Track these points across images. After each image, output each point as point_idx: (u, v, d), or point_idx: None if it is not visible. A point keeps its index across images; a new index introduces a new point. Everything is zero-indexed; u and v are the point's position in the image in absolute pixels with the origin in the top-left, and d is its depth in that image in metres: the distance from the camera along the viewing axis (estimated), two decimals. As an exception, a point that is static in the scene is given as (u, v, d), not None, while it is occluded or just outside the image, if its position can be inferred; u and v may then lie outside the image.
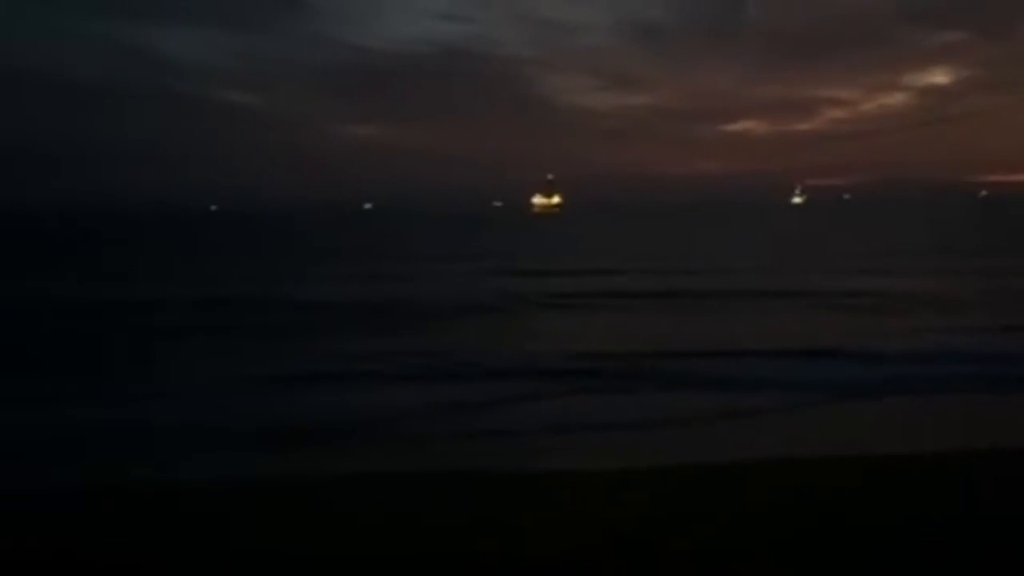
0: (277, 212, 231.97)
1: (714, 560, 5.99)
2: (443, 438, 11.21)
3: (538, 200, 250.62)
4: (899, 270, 33.84)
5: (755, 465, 8.99)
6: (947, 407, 12.63)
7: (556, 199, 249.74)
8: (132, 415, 12.39)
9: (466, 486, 8.49)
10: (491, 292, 28.90)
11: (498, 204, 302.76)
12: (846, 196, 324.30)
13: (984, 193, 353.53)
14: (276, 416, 12.40)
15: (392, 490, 8.34)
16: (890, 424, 11.82)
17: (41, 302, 28.00)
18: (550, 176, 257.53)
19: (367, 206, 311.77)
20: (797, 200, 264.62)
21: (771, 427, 11.60)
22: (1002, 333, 18.31)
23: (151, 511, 7.67)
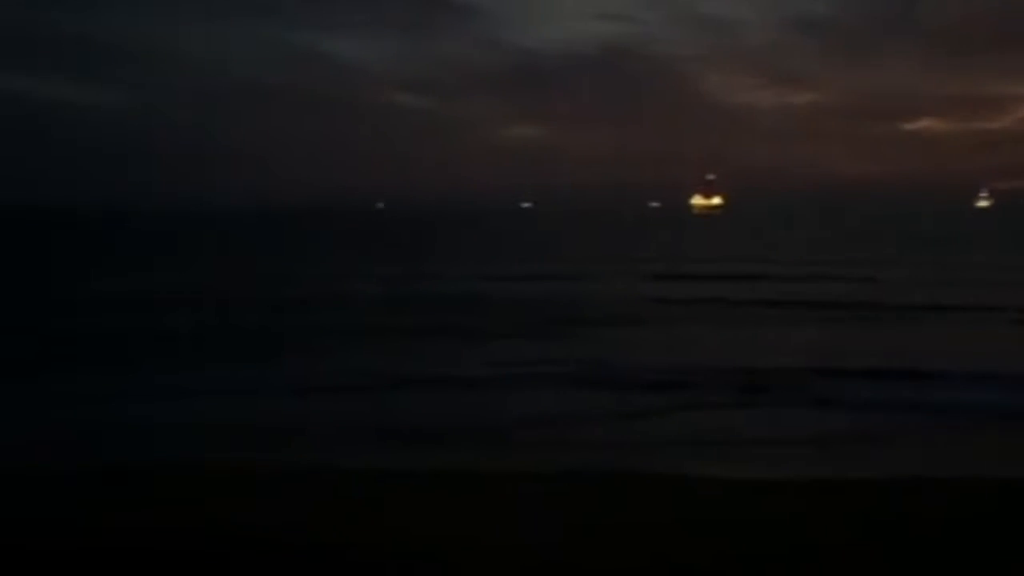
0: (439, 210, 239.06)
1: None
2: (594, 444, 11.57)
3: (697, 201, 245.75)
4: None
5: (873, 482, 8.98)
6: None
7: (716, 200, 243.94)
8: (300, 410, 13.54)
9: (616, 488, 8.73)
10: (648, 297, 29.03)
11: (655, 205, 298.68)
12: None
13: None
14: (426, 416, 13.09)
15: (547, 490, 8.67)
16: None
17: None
18: (710, 176, 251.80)
19: (525, 205, 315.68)
20: (983, 203, 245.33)
21: (897, 450, 11.36)
22: None
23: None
